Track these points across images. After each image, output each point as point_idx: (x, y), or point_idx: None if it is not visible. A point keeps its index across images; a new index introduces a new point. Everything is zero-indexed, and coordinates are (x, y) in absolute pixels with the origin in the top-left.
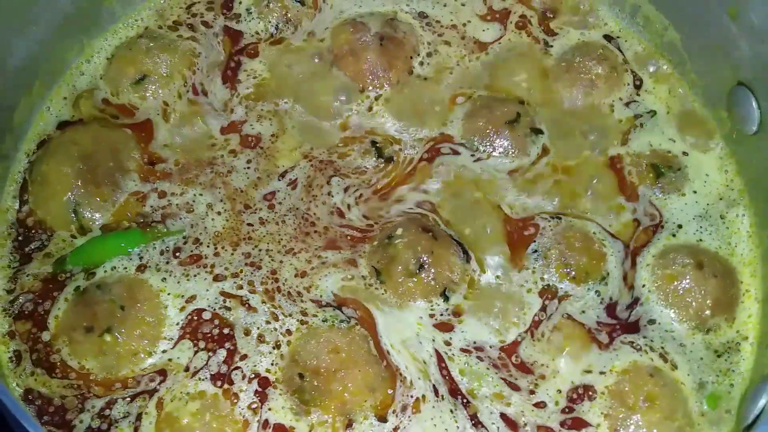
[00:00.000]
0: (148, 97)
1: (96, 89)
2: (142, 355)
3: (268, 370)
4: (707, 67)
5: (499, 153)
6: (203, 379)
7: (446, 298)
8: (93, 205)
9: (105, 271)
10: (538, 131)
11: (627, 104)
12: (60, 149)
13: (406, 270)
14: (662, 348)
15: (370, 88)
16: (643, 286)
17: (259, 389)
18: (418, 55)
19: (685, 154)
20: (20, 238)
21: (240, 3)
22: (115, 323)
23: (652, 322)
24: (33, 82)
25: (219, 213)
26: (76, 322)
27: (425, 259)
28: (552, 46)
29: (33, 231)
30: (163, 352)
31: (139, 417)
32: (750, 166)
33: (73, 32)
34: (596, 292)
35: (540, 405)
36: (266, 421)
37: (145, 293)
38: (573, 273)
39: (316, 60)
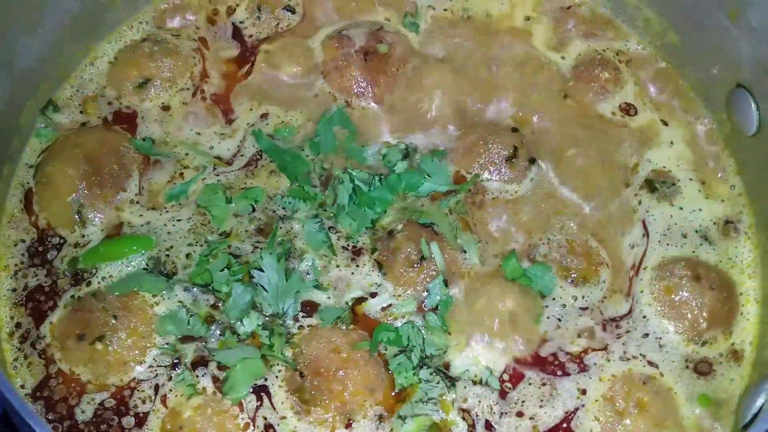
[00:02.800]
0: (150, 101)
1: (100, 92)
2: (132, 365)
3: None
4: (707, 69)
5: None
6: (204, 375)
7: (446, 285)
8: (97, 206)
9: (101, 279)
10: (533, 161)
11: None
12: (65, 151)
13: (407, 260)
14: (657, 358)
15: (355, 103)
16: (641, 296)
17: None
18: (405, 65)
19: (690, 180)
20: (25, 238)
21: (234, 14)
22: (107, 332)
23: (646, 335)
24: (39, 84)
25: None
26: (70, 328)
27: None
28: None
29: (38, 231)
30: (162, 347)
31: (145, 412)
32: (749, 167)
33: (79, 34)
34: (573, 297)
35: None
36: (266, 420)
37: (139, 303)
38: (572, 276)
39: (307, 74)
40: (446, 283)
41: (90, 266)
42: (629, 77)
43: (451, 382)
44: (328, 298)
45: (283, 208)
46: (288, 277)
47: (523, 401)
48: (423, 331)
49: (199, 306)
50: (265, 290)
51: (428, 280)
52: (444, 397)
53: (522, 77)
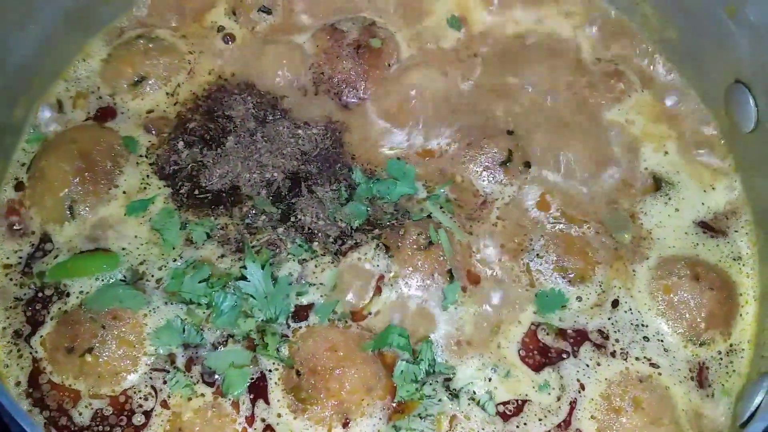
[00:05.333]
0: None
1: (93, 89)
2: (124, 375)
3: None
4: (705, 65)
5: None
6: (198, 382)
7: (452, 279)
8: (88, 202)
9: (80, 293)
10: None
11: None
12: (59, 147)
13: (416, 244)
14: (654, 357)
15: (345, 96)
16: (640, 295)
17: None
18: (397, 61)
19: (689, 177)
20: (17, 235)
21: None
22: (96, 343)
23: (646, 338)
24: (32, 80)
25: None
26: (59, 341)
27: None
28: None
29: (28, 228)
30: (155, 354)
31: (146, 415)
32: (747, 163)
33: (71, 30)
34: (578, 297)
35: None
36: (264, 421)
37: (127, 312)
38: (570, 276)
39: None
40: (452, 275)
41: (57, 281)
42: (635, 80)
43: (454, 395)
44: (321, 296)
45: (252, 224)
46: (275, 283)
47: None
48: (435, 347)
49: (192, 315)
50: (253, 298)
51: (436, 265)
52: (441, 414)
53: (522, 77)
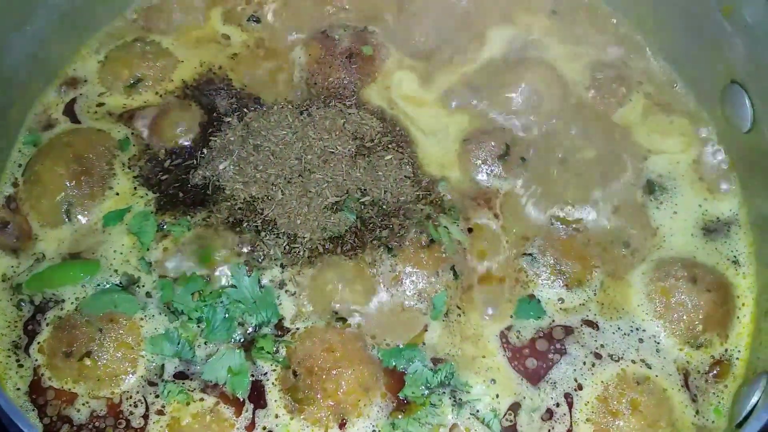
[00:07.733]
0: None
1: (90, 90)
2: (124, 377)
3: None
4: (701, 65)
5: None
6: (193, 389)
7: (456, 276)
8: (85, 205)
9: (81, 297)
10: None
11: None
12: (54, 150)
13: (417, 242)
14: (651, 359)
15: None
16: (637, 297)
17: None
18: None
19: (686, 179)
20: (11, 238)
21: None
22: (93, 347)
23: (641, 339)
24: (28, 81)
25: None
26: (56, 346)
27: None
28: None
29: (22, 231)
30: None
31: (143, 421)
32: (743, 163)
33: (67, 31)
34: (559, 299)
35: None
36: (264, 427)
37: (123, 314)
38: (566, 279)
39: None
40: (455, 272)
41: (35, 291)
42: (635, 83)
43: (458, 404)
44: (305, 302)
45: (234, 228)
46: (262, 288)
47: None
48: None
49: (186, 328)
50: (242, 304)
51: (440, 263)
52: (441, 426)
53: (521, 77)
